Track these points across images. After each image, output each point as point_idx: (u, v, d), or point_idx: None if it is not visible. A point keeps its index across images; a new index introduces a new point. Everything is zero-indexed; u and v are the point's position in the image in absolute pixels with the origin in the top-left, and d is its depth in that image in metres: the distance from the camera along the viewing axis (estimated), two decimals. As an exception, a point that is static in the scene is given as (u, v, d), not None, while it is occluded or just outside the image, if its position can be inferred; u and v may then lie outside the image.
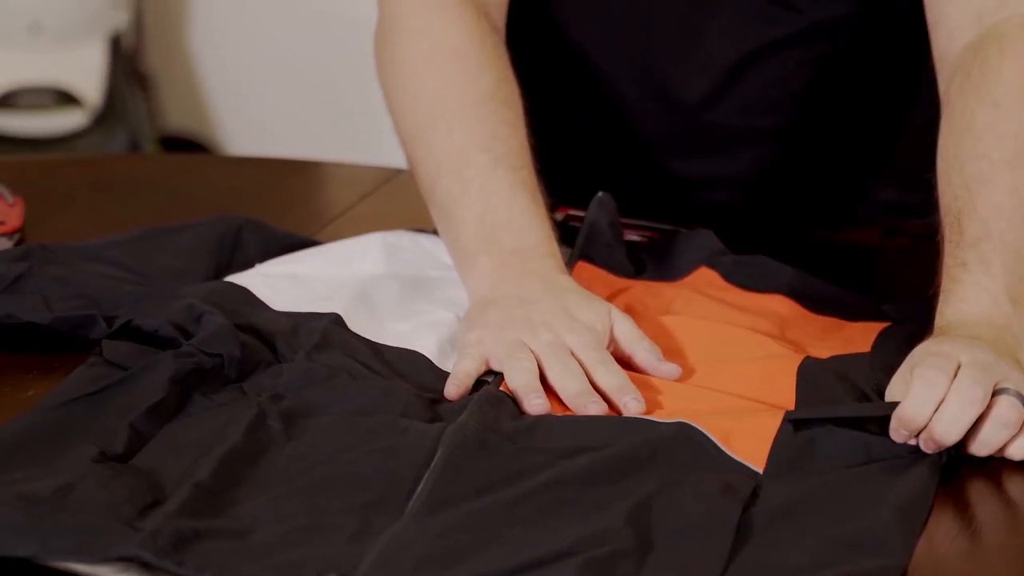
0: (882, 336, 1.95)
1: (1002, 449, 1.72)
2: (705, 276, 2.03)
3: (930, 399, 1.70)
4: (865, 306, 2.04)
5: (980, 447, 1.72)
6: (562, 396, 1.79)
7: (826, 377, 1.88)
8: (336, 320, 1.87)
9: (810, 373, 1.89)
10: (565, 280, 1.89)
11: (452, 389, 1.78)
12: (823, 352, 1.95)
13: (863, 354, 1.94)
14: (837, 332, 2.00)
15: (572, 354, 1.83)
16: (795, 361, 1.92)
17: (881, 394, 1.84)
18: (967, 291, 1.84)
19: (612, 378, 1.80)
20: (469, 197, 1.93)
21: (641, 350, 1.83)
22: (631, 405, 1.76)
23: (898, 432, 1.71)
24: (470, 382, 1.79)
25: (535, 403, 1.76)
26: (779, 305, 2.05)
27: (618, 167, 2.24)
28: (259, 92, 3.93)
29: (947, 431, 1.69)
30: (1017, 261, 1.86)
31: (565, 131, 2.23)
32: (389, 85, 2.03)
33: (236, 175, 2.45)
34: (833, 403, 1.85)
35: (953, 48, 1.98)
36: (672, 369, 1.85)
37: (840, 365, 1.92)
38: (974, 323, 1.83)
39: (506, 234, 1.91)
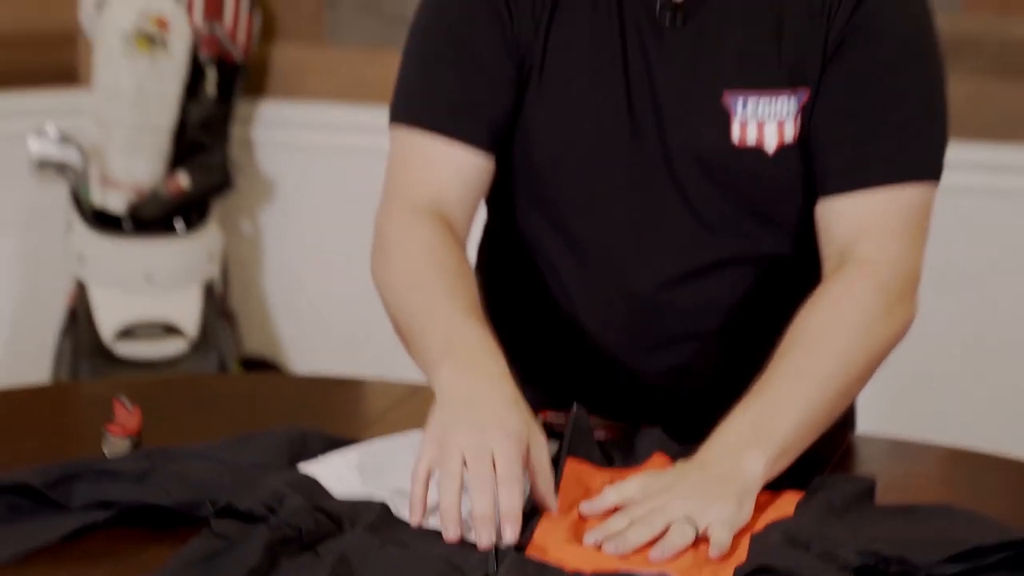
0: (800, 504, 1.84)
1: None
2: (659, 460, 1.92)
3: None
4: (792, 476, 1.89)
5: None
6: (472, 509, 1.74)
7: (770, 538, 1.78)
8: (384, 508, 1.81)
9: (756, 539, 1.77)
10: (508, 387, 1.83)
11: (413, 518, 1.76)
12: (759, 523, 1.84)
13: (789, 518, 1.82)
14: (769, 503, 1.88)
15: (492, 461, 1.77)
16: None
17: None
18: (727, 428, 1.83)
19: (506, 501, 1.74)
20: (436, 327, 1.89)
21: (540, 481, 1.79)
22: (506, 533, 1.71)
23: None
24: (422, 506, 1.77)
25: (450, 533, 1.73)
26: None
27: (586, 368, 2.14)
28: (317, 325, 3.87)
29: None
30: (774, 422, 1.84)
31: (539, 342, 2.15)
32: (380, 276, 2.00)
33: (298, 390, 2.38)
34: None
35: (827, 272, 1.96)
36: (554, 505, 1.79)
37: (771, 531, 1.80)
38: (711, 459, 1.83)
39: (462, 350, 1.85)
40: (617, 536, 1.74)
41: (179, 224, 3.61)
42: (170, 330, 3.58)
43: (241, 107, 3.80)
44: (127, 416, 1.97)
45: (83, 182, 3.59)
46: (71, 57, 3.85)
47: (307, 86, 3.81)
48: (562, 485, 1.86)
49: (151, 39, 3.58)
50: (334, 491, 1.86)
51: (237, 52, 3.71)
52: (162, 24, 3.59)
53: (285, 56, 3.82)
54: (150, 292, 3.58)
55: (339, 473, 1.91)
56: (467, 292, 1.94)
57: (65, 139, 3.55)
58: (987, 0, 3.42)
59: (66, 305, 3.68)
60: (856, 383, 1.93)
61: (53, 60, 3.84)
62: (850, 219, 1.97)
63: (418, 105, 2.04)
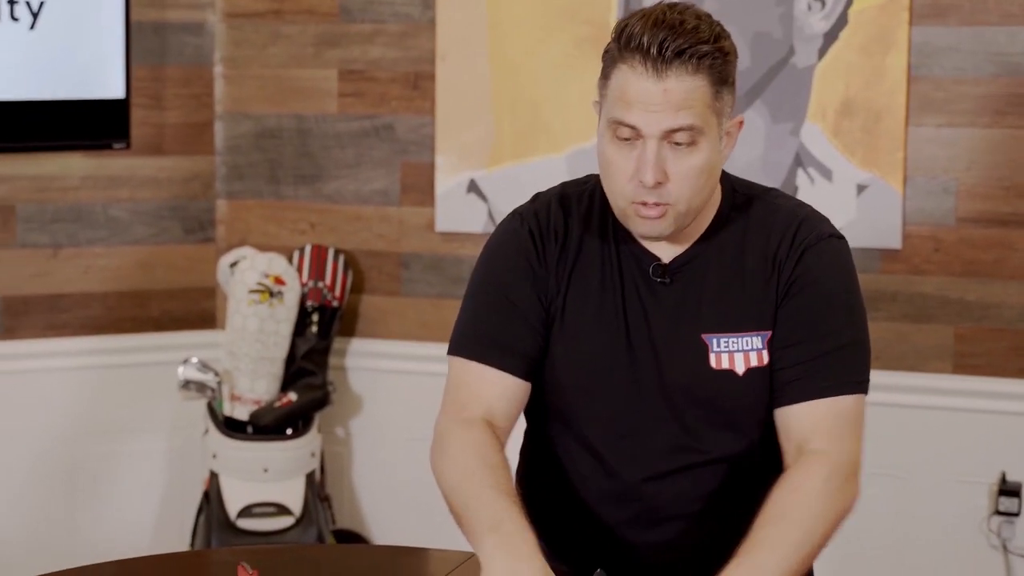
0: None
1: None
2: None
3: None
4: None
5: None
6: None
7: None
8: None
9: None
10: (538, 562, 1.78)
11: None
12: None
13: None
14: None
15: None
16: None
17: None
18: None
19: None
20: (482, 510, 1.85)
21: None
22: None
23: None
24: None
25: None
26: None
27: (599, 542, 2.07)
28: (393, 505, 3.79)
29: None
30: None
31: (564, 522, 2.08)
32: (439, 468, 1.96)
33: (376, 556, 2.33)
34: None
35: (787, 464, 1.94)
36: None
37: None
38: None
39: (503, 529, 1.81)
40: None
41: (289, 430, 3.60)
42: (281, 510, 3.54)
43: (337, 342, 3.77)
44: None
45: (217, 398, 3.59)
46: (211, 306, 3.83)
47: (386, 328, 3.76)
48: None
49: (270, 292, 3.59)
50: None
51: (335, 301, 3.70)
52: (279, 281, 3.61)
53: (370, 304, 3.78)
54: (266, 481, 3.54)
55: None
56: (507, 484, 1.91)
57: (204, 366, 3.56)
58: (899, 265, 3.39)
59: (202, 490, 3.64)
60: (817, 548, 1.88)
61: (197, 308, 3.82)
62: (804, 422, 1.94)
63: (471, 341, 2.02)
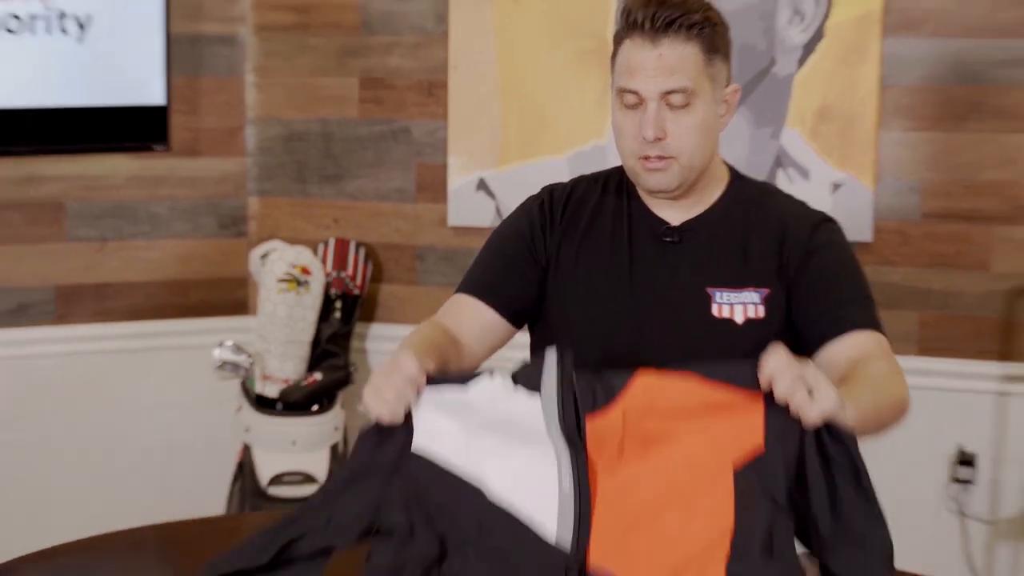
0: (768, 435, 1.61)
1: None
2: (643, 374, 1.67)
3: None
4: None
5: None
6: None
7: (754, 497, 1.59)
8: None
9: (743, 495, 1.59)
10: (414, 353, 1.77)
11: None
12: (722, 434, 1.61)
13: (763, 457, 1.60)
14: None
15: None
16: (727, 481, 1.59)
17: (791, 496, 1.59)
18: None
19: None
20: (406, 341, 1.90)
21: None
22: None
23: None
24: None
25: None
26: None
27: None
28: None
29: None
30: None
31: None
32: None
33: None
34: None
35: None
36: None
37: (758, 478, 1.59)
38: None
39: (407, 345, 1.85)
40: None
41: (315, 407, 3.59)
42: (308, 478, 3.53)
43: (358, 327, 3.77)
44: None
45: (250, 377, 3.59)
46: (243, 294, 3.85)
47: (403, 314, 3.77)
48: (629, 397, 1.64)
49: (297, 281, 3.58)
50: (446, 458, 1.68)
51: (356, 289, 3.71)
52: (305, 271, 3.60)
53: (388, 293, 3.80)
54: (294, 452, 3.54)
55: (448, 447, 1.70)
56: (429, 344, 1.90)
57: (238, 349, 3.55)
58: (870, 257, 3.36)
59: (236, 461, 3.64)
60: (887, 412, 1.82)
61: (231, 296, 3.84)
62: (851, 350, 1.91)
63: (464, 282, 2.09)
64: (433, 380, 1.72)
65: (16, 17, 3.37)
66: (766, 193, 2.10)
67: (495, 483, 1.66)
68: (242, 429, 3.58)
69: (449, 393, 1.72)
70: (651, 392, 1.65)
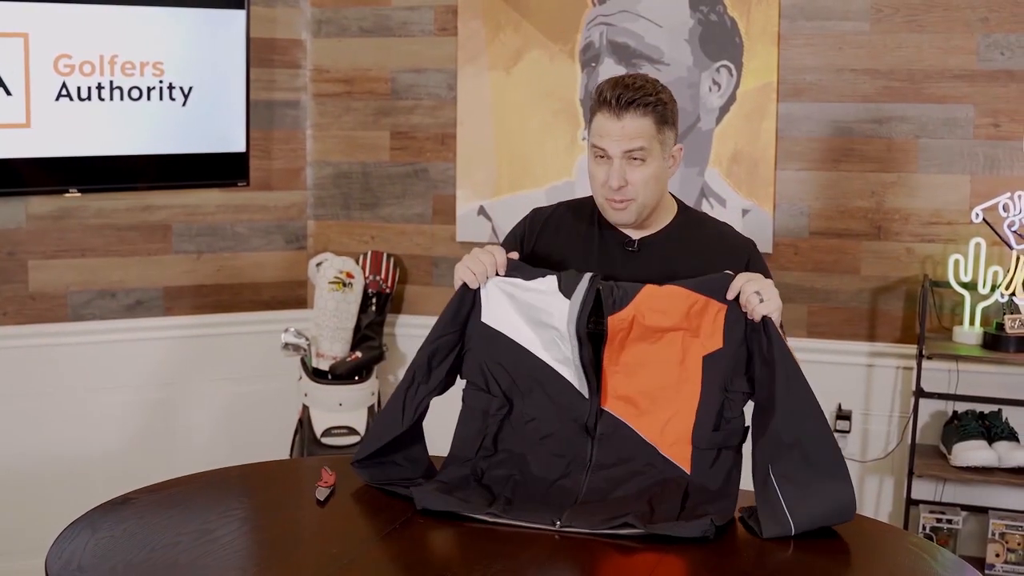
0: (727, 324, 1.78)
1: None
2: (649, 288, 1.82)
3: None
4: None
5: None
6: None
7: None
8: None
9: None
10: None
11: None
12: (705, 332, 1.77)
13: (721, 350, 1.77)
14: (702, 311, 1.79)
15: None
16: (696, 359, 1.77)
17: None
18: None
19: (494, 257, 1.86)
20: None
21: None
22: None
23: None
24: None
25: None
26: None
27: None
28: (431, 424, 3.80)
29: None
30: None
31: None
32: None
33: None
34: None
35: None
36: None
37: (717, 366, 1.76)
38: None
39: None
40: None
41: (356, 378, 3.56)
42: (351, 431, 3.51)
43: (389, 318, 3.73)
44: (328, 476, 1.97)
45: (308, 355, 3.56)
46: (303, 293, 3.79)
47: (423, 307, 3.72)
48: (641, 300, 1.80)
49: (343, 283, 3.57)
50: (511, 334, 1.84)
51: (388, 289, 3.68)
52: (349, 275, 3.59)
53: (411, 292, 3.75)
54: (341, 411, 3.51)
55: (511, 322, 1.85)
56: None
57: (299, 334, 3.53)
58: (771, 264, 3.34)
59: (297, 418, 3.62)
60: None
61: (294, 295, 3.78)
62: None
63: None
64: (511, 267, 1.87)
65: (138, 88, 3.35)
66: (705, 219, 2.09)
67: (540, 351, 1.84)
68: (302, 394, 3.57)
69: (516, 281, 1.86)
70: (653, 296, 1.81)
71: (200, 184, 3.57)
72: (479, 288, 1.86)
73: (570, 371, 1.82)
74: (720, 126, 3.40)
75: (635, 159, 1.93)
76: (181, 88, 3.44)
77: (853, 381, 3.39)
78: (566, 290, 1.82)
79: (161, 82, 3.40)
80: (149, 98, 3.39)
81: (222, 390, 3.72)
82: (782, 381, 1.71)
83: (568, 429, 1.81)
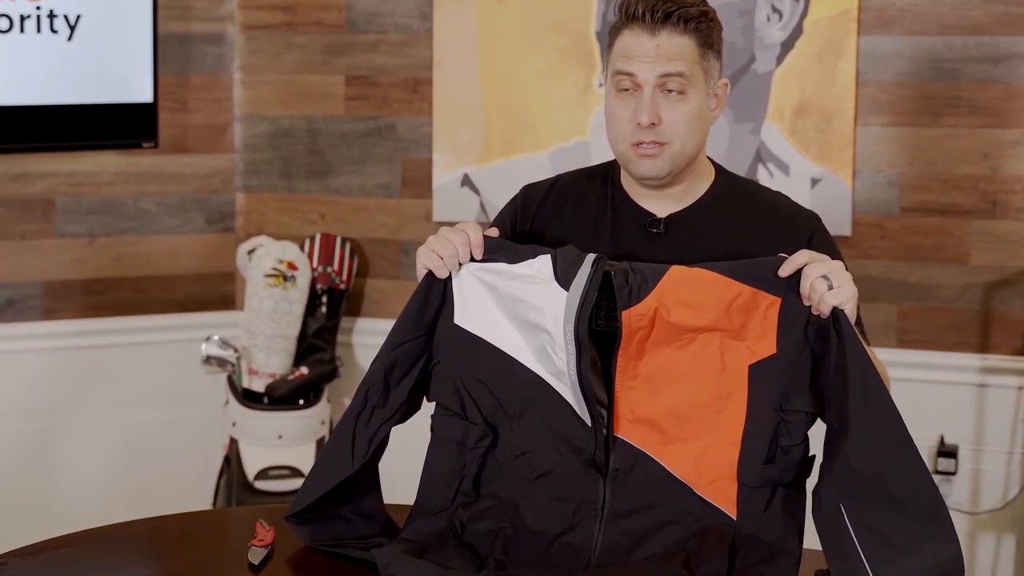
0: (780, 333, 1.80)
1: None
2: (677, 270, 1.84)
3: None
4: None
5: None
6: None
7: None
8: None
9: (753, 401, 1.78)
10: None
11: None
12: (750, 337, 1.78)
13: (773, 357, 1.79)
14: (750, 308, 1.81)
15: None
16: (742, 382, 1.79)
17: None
18: None
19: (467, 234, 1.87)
20: None
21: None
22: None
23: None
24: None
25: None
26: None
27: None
28: (398, 463, 3.81)
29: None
30: None
31: None
32: None
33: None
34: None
35: None
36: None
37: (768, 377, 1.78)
38: None
39: None
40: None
41: (301, 401, 3.59)
42: (294, 472, 3.53)
43: (344, 321, 3.77)
44: (264, 532, 1.97)
45: (236, 371, 3.60)
46: (230, 289, 3.84)
47: (388, 308, 3.76)
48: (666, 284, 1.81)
49: (284, 276, 3.59)
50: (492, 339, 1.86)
51: (342, 284, 3.71)
52: (291, 266, 3.61)
53: (374, 287, 3.79)
54: (280, 446, 3.54)
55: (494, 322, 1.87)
56: None
57: (225, 343, 3.56)
58: (849, 251, 3.32)
59: (223, 454, 3.64)
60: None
61: (218, 291, 3.83)
62: None
63: None
64: (491, 248, 1.88)
65: (6, 16, 3.38)
66: (752, 188, 2.11)
67: (531, 361, 1.84)
68: (229, 423, 3.59)
69: (499, 267, 1.87)
70: (683, 283, 1.81)
71: (92, 145, 3.59)
72: (449, 278, 1.88)
73: (567, 388, 1.82)
74: (782, 68, 3.42)
75: (672, 90, 1.97)
76: (65, 17, 3.46)
77: (959, 406, 3.42)
78: (563, 276, 1.83)
79: (38, 9, 3.42)
80: (23, 30, 3.42)
81: (121, 418, 3.74)
82: (857, 395, 1.69)
83: (571, 464, 1.82)
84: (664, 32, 1.95)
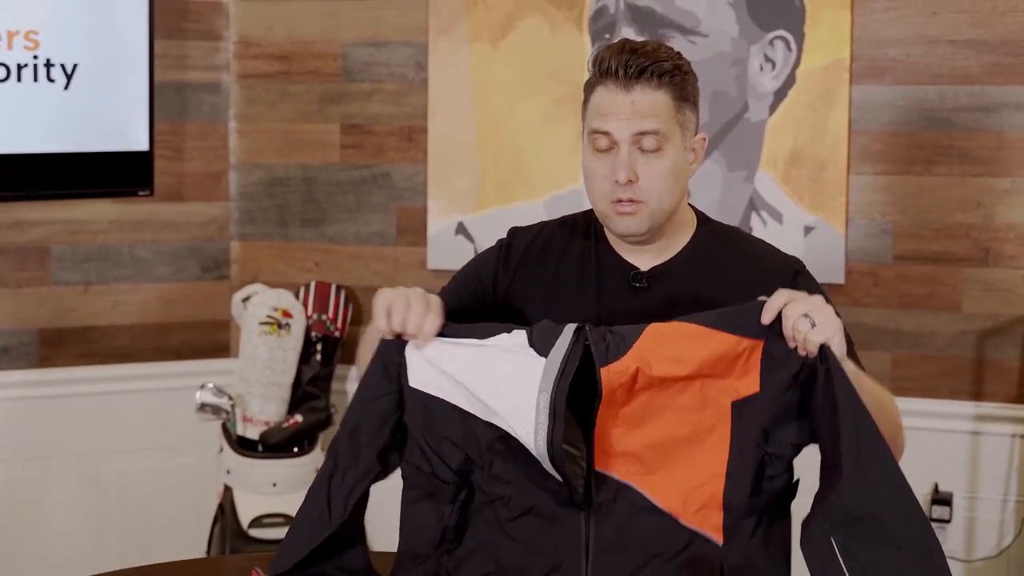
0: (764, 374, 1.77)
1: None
2: (654, 329, 1.80)
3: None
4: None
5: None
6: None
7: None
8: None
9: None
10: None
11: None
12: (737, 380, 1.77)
13: (757, 395, 1.77)
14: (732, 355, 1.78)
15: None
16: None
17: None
18: None
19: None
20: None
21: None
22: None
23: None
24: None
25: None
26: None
27: None
28: (389, 512, 3.80)
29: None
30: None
31: None
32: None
33: (375, 561, 2.19)
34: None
35: None
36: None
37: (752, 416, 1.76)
38: None
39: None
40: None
41: (295, 449, 3.57)
42: (289, 520, 3.44)
43: (339, 369, 3.75)
44: None
45: (231, 419, 3.58)
46: (225, 337, 3.83)
47: None
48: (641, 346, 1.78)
49: (278, 324, 3.58)
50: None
51: (337, 332, 3.70)
52: (286, 314, 3.60)
53: None
54: (275, 494, 3.52)
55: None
56: None
57: (219, 391, 3.54)
58: (842, 298, 3.36)
59: (217, 502, 3.62)
60: (887, 407, 1.91)
61: (213, 339, 3.82)
62: None
63: None
64: (447, 335, 1.83)
65: (3, 65, 3.38)
66: (734, 236, 2.10)
67: (489, 415, 1.79)
68: (223, 471, 3.57)
69: (464, 341, 1.82)
70: (661, 338, 1.77)
71: (88, 193, 3.59)
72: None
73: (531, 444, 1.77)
74: (775, 117, 3.43)
75: (647, 149, 1.95)
76: (62, 66, 3.45)
77: (953, 454, 3.39)
78: (540, 345, 1.78)
79: (36, 58, 3.43)
80: (20, 79, 3.42)
81: (115, 465, 3.72)
82: (849, 434, 1.68)
83: (550, 502, 1.80)
84: (638, 88, 1.93)
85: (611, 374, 1.76)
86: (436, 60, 3.62)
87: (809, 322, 1.72)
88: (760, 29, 3.39)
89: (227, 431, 3.60)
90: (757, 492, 1.77)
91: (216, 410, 3.54)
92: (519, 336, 1.79)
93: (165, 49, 3.64)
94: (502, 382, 1.76)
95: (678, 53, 2.01)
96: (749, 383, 1.75)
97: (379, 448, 1.82)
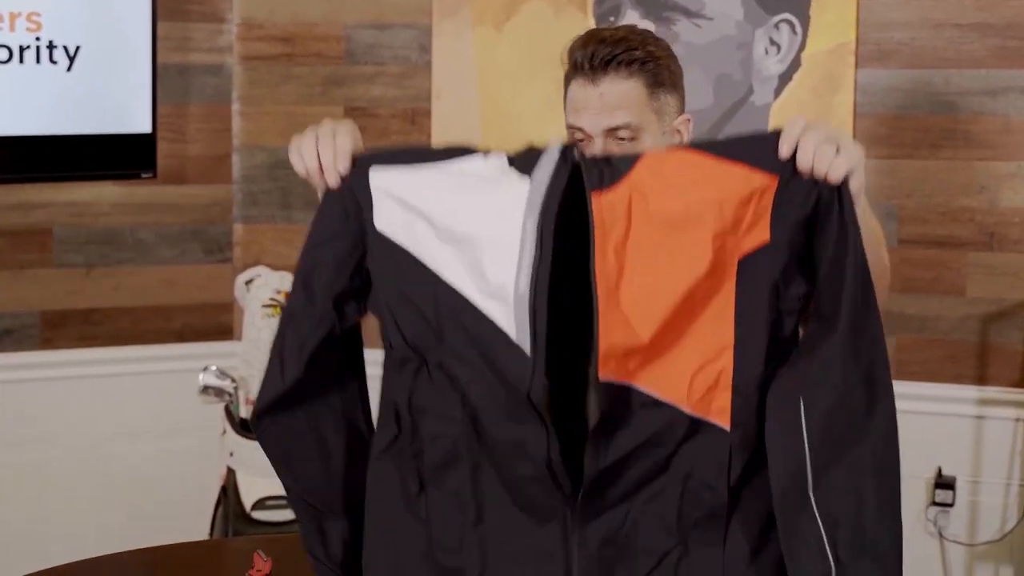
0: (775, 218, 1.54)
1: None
2: (650, 156, 1.56)
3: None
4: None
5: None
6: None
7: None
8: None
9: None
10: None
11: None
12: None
13: (766, 246, 1.54)
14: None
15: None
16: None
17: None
18: None
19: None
20: None
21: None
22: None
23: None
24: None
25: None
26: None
27: None
28: None
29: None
30: None
31: None
32: None
33: None
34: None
35: None
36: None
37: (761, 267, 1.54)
38: None
39: None
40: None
41: None
42: None
43: None
44: (262, 563, 1.97)
45: (234, 402, 3.56)
46: (228, 319, 3.84)
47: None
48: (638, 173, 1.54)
49: (281, 306, 3.56)
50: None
51: None
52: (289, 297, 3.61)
53: (372, 318, 3.81)
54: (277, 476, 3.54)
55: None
56: None
57: (222, 373, 3.52)
58: None
59: (220, 485, 3.62)
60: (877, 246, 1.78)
61: (216, 322, 3.84)
62: None
63: None
64: (383, 158, 1.61)
65: (6, 47, 3.39)
66: None
67: (456, 273, 1.56)
68: (226, 453, 3.56)
69: (420, 168, 1.59)
70: (659, 165, 1.54)
71: (91, 175, 3.58)
72: (366, 175, 1.62)
73: (503, 309, 1.52)
74: (780, 100, 3.43)
75: (622, 138, 1.92)
76: (64, 48, 3.45)
77: (957, 438, 3.42)
78: (523, 165, 1.55)
79: (38, 39, 3.42)
80: (22, 61, 3.41)
81: (118, 448, 3.73)
82: (852, 288, 1.50)
83: (514, 409, 1.56)
84: (607, 80, 1.91)
85: (603, 203, 1.53)
86: (440, 43, 3.63)
87: (835, 147, 1.52)
88: (765, 12, 3.39)
89: (230, 413, 3.60)
90: (769, 360, 1.57)
91: (219, 392, 3.53)
92: (497, 159, 1.58)
93: (168, 31, 3.64)
94: (479, 210, 1.54)
95: (653, 37, 1.97)
96: (758, 233, 1.53)
97: (336, 294, 1.64)
